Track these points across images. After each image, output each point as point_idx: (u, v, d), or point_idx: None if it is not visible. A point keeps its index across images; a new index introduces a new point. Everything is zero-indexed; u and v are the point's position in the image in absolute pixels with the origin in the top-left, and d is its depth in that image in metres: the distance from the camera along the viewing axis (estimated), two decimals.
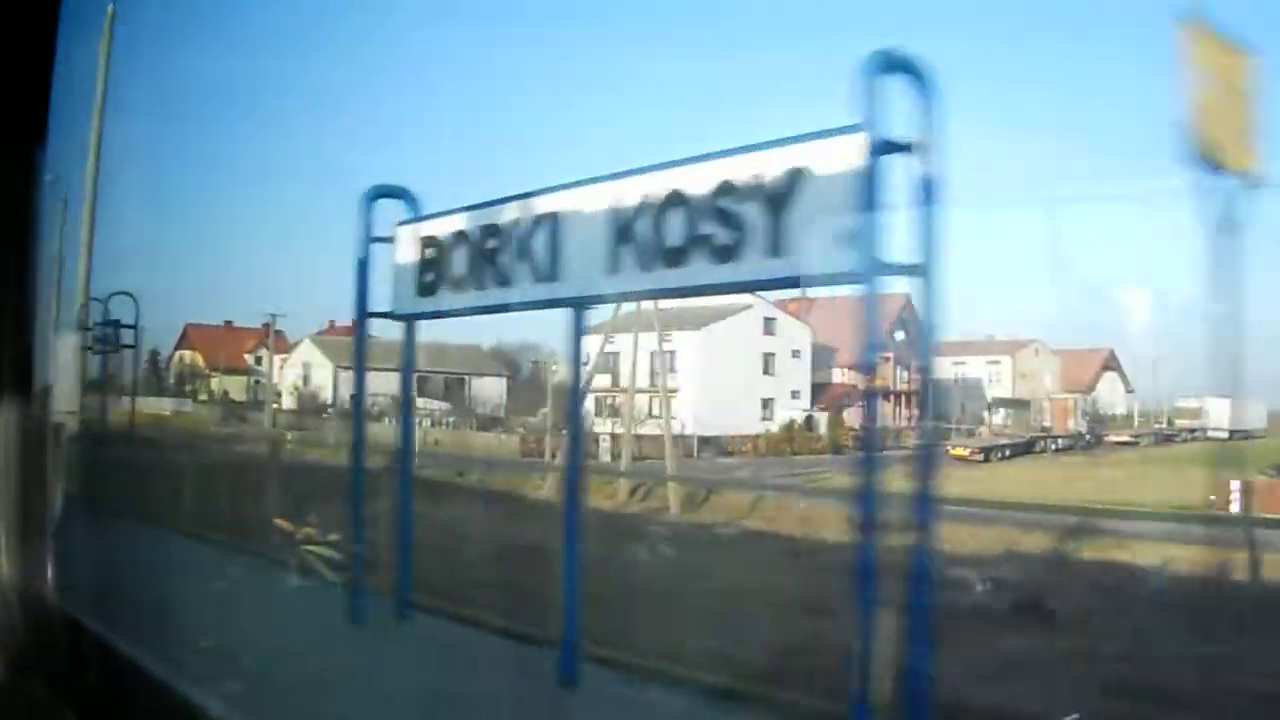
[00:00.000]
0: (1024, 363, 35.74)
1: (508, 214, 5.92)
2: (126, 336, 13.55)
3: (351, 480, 7.15)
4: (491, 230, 6.03)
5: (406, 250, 6.69)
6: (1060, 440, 30.66)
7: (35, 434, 2.34)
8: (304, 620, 6.76)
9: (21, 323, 2.33)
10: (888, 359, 28.57)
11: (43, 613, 2.27)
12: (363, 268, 6.89)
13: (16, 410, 2.26)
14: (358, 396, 8.47)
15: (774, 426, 29.01)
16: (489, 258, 6.06)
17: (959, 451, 26.69)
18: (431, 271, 6.50)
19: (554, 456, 20.39)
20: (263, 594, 7.66)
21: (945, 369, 28.95)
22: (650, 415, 22.02)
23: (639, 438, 21.16)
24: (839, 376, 31.41)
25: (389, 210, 6.82)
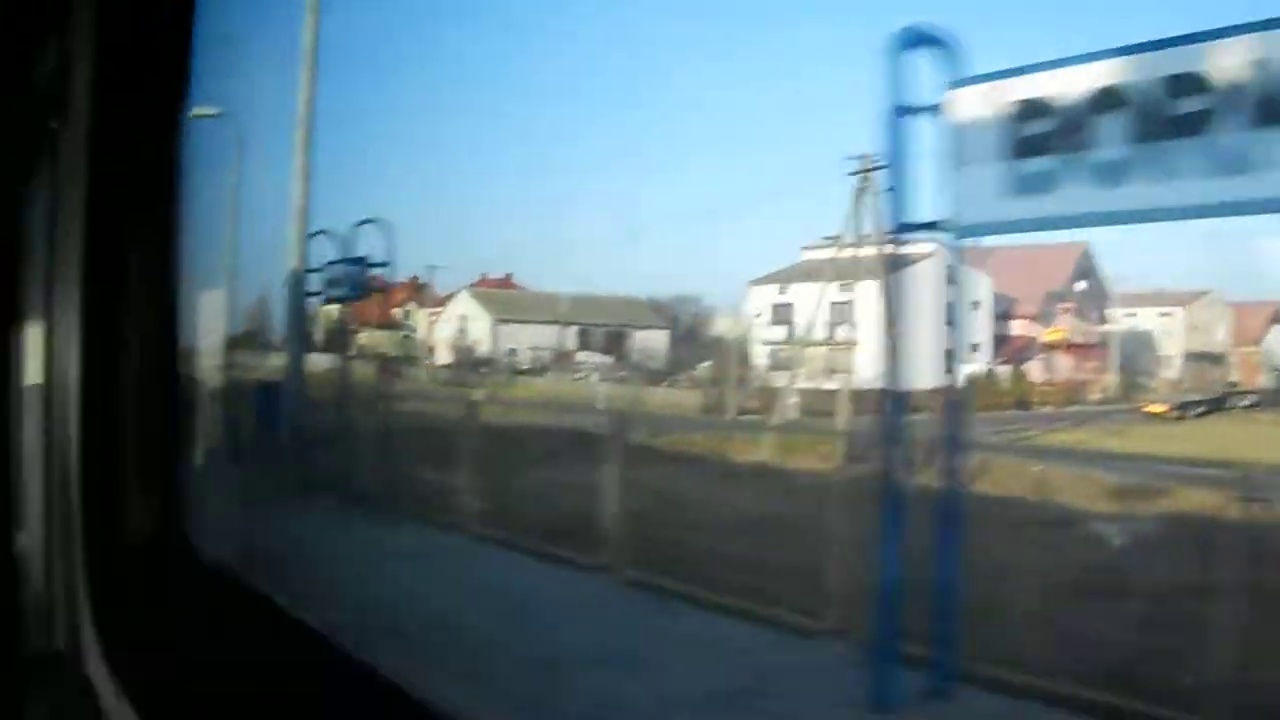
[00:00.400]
0: (1197, 314, 33.10)
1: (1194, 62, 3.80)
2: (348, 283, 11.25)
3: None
4: (1167, 88, 3.88)
5: (974, 126, 4.53)
6: (1251, 396, 28.30)
7: (179, 394, 2.36)
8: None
9: (164, 279, 2.34)
10: (1068, 310, 26.91)
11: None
12: (898, 153, 4.73)
13: (158, 369, 2.27)
14: (892, 346, 5.97)
15: (955, 381, 27.49)
16: (1149, 131, 3.99)
17: (1155, 408, 25.11)
18: (1030, 156, 4.36)
19: (740, 414, 19.48)
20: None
21: (1119, 321, 27.22)
22: (830, 370, 21.46)
23: (818, 393, 20.52)
24: (1018, 329, 30.04)
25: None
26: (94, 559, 2.24)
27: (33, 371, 2.49)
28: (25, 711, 2.28)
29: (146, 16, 2.35)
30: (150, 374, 2.27)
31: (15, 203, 2.55)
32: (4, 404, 2.29)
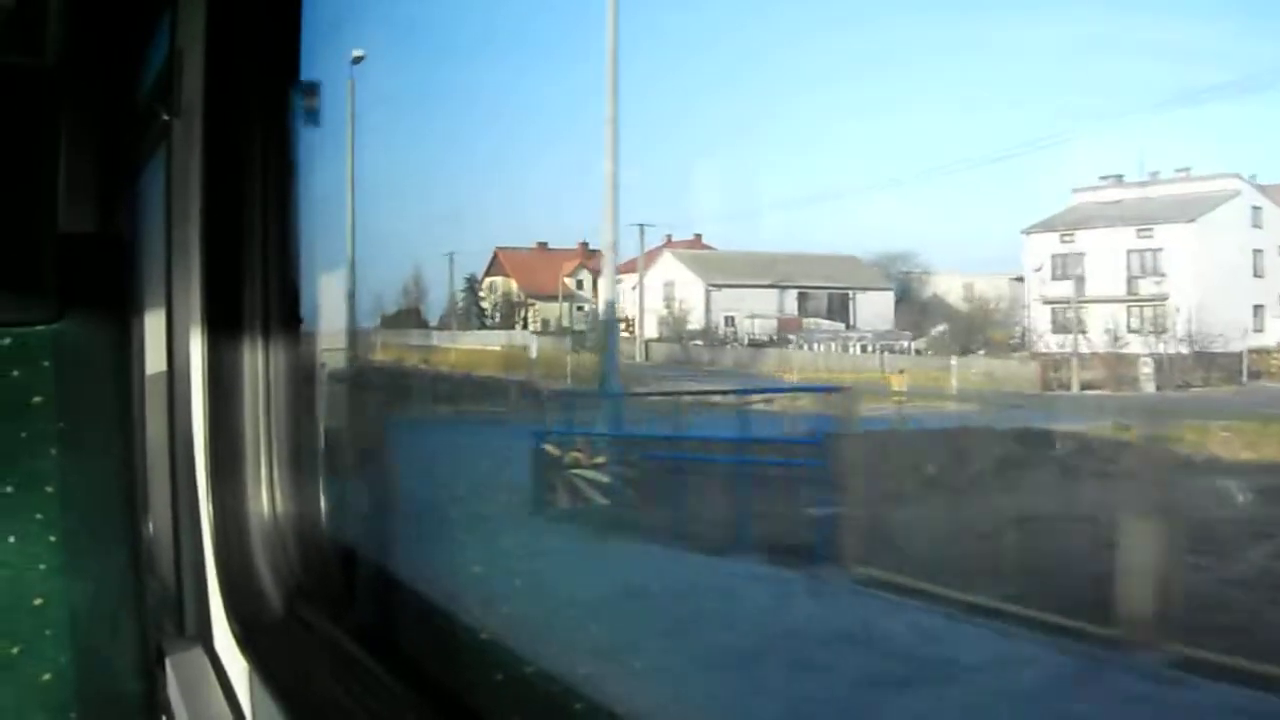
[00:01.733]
0: None
1: None
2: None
3: None
4: None
5: None
6: None
7: (304, 379, 2.38)
8: None
9: (285, 264, 2.35)
10: None
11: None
12: None
13: (282, 355, 2.29)
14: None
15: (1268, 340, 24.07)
16: None
17: None
18: None
19: (1084, 389, 16.09)
20: None
21: None
22: (1130, 329, 18.49)
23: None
24: None
25: None
26: (222, 545, 2.27)
27: (155, 361, 2.54)
28: (159, 695, 2.32)
29: (255, 4, 2.37)
30: (273, 360, 2.29)
31: (133, 195, 2.59)
32: (128, 394, 2.33)
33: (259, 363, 2.28)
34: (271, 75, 2.37)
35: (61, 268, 2.23)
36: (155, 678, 2.31)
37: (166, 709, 2.32)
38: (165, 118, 2.52)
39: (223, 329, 2.29)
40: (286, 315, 2.32)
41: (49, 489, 2.17)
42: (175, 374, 2.43)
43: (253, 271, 2.29)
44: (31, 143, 2.37)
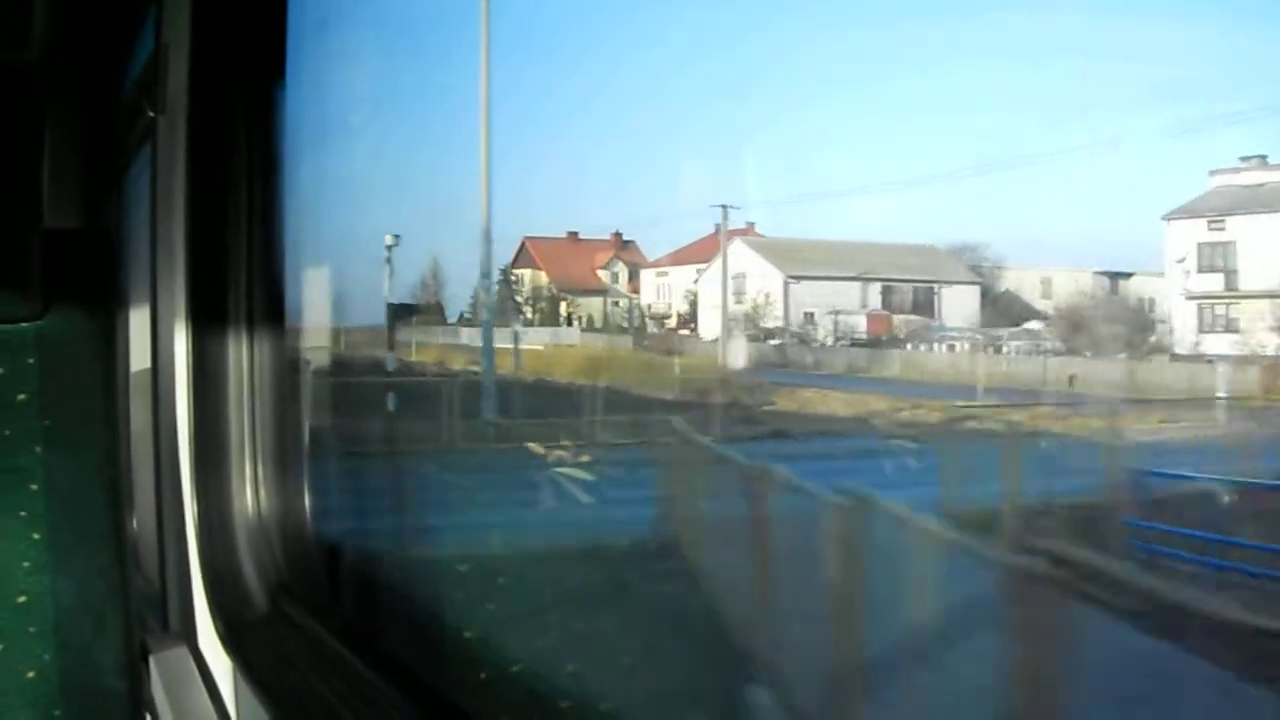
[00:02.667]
0: None
1: None
2: None
3: None
4: None
5: None
6: None
7: (289, 376, 2.37)
8: None
9: (269, 261, 2.35)
10: None
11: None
12: None
13: (266, 351, 2.29)
14: None
15: None
16: None
17: None
18: None
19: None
20: None
21: None
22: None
23: None
24: None
25: None
26: (206, 542, 2.26)
27: (140, 357, 2.53)
28: (143, 693, 2.32)
29: (241, 2, 2.37)
30: (258, 357, 2.28)
31: (118, 191, 2.58)
32: (113, 390, 2.32)
33: (244, 359, 2.28)
34: (257, 71, 2.37)
35: (46, 263, 2.22)
36: (139, 675, 2.31)
37: (150, 706, 2.32)
38: (151, 113, 2.51)
39: (208, 325, 2.29)
40: (272, 312, 2.31)
41: (33, 486, 2.16)
42: (160, 370, 2.42)
43: (238, 268, 2.29)
44: (16, 138, 2.35)
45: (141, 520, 2.59)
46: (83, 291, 2.26)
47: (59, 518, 2.19)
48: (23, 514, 2.17)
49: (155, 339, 2.43)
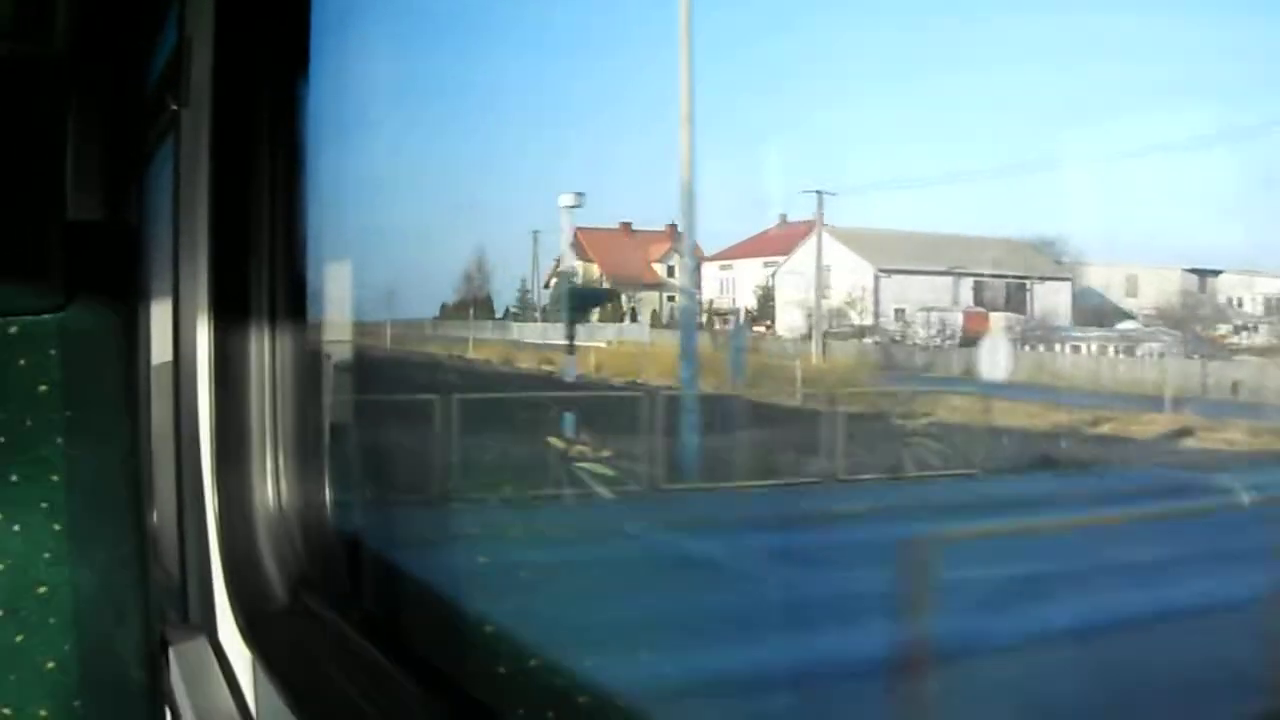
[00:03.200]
0: None
1: None
2: None
3: None
4: None
5: None
6: None
7: (311, 370, 2.38)
8: None
9: (292, 255, 2.35)
10: None
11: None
12: None
13: (289, 345, 2.29)
14: None
15: None
16: None
17: None
18: None
19: None
20: None
21: None
22: None
23: None
24: None
25: None
26: (227, 534, 2.27)
27: (161, 350, 2.54)
28: (162, 685, 2.33)
29: None
30: (280, 350, 2.29)
31: (141, 184, 2.59)
32: (135, 383, 2.33)
33: (266, 353, 2.29)
34: (280, 64, 2.37)
35: (68, 255, 2.23)
36: (159, 666, 2.32)
37: (169, 698, 2.32)
38: (173, 107, 2.52)
39: (230, 318, 2.29)
40: (294, 306, 2.32)
41: (54, 477, 2.17)
42: (182, 363, 2.43)
43: (260, 261, 2.30)
44: (39, 130, 2.36)
45: (162, 512, 2.60)
46: (105, 284, 2.27)
47: (80, 509, 2.20)
48: (44, 505, 2.18)
49: (177, 332, 2.44)
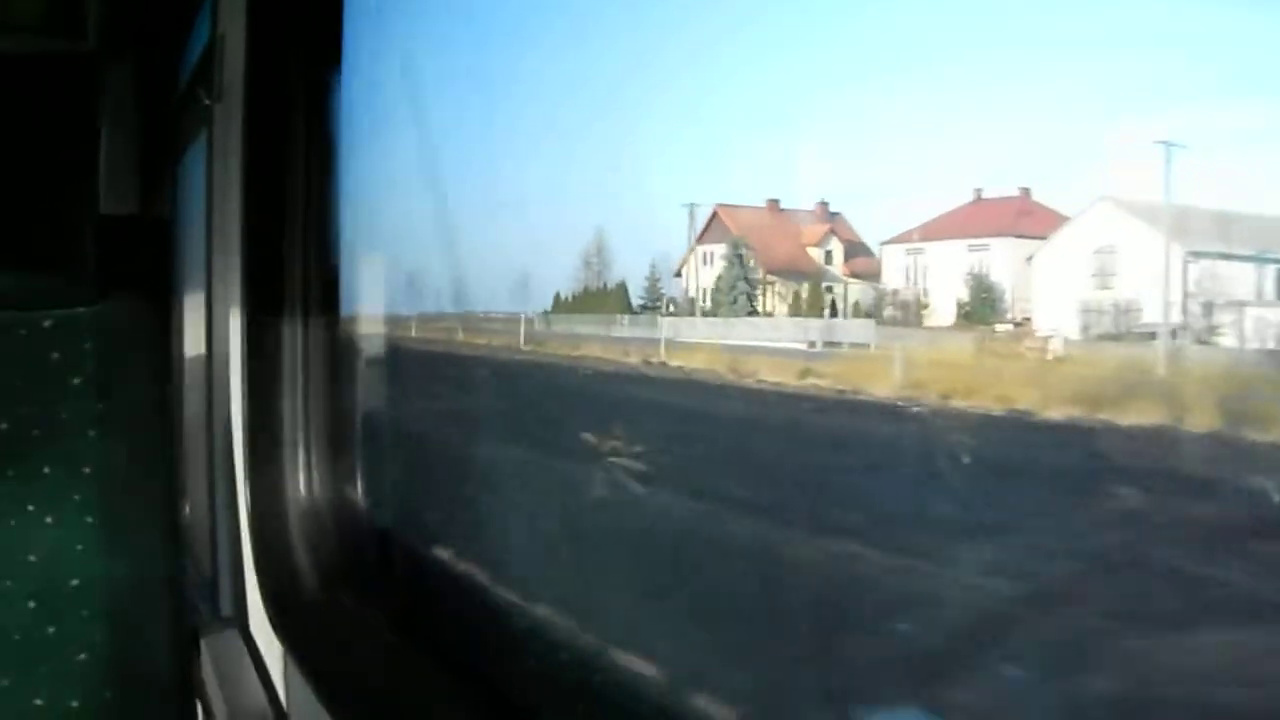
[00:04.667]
0: None
1: None
2: None
3: None
4: None
5: None
6: None
7: (344, 364, 2.38)
8: None
9: (325, 249, 2.35)
10: None
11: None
12: None
13: (322, 339, 2.29)
14: None
15: None
16: None
17: None
18: None
19: None
20: None
21: None
22: None
23: None
24: None
25: None
26: (258, 528, 2.27)
27: (194, 344, 2.55)
28: (194, 677, 2.33)
29: None
30: (313, 344, 2.29)
31: (174, 179, 2.60)
32: (168, 376, 2.34)
33: (299, 346, 2.29)
34: (314, 59, 2.37)
35: (103, 249, 2.24)
36: (190, 659, 2.32)
37: (201, 691, 2.33)
38: (206, 102, 2.53)
39: (263, 312, 2.30)
40: (327, 299, 2.32)
41: (87, 470, 2.18)
42: (214, 357, 2.44)
43: (294, 256, 2.30)
44: (74, 125, 2.38)
45: (194, 505, 2.61)
46: (139, 277, 2.28)
47: (112, 502, 2.21)
48: (76, 498, 2.19)
49: (210, 325, 2.45)
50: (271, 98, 2.36)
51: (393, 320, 2.70)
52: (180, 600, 2.30)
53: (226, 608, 2.42)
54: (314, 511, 2.25)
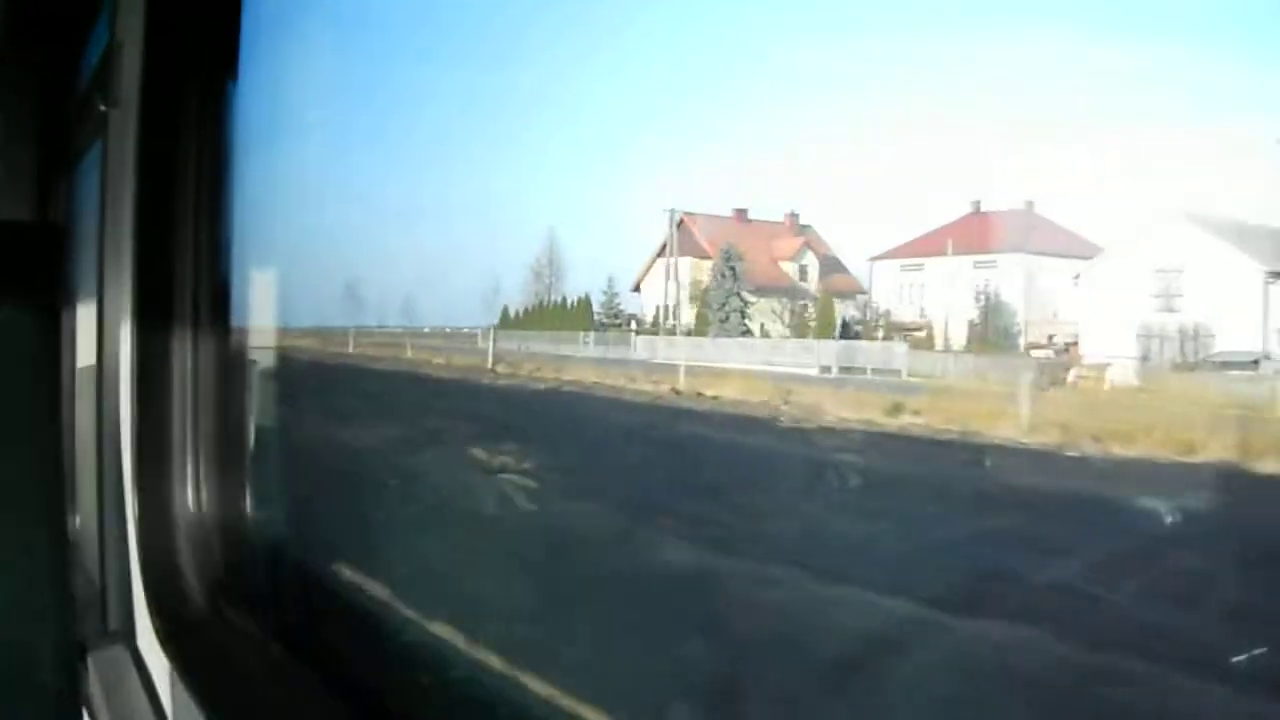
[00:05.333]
0: None
1: None
2: None
3: None
4: None
5: None
6: None
7: (234, 375, 2.35)
8: None
9: (216, 260, 2.33)
10: None
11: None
12: None
13: (212, 350, 2.27)
14: None
15: None
16: None
17: None
18: None
19: None
20: None
21: None
22: None
23: None
24: None
25: None
26: (147, 542, 2.24)
27: (86, 353, 2.50)
28: (81, 691, 2.29)
29: None
30: (204, 355, 2.26)
31: (70, 185, 2.56)
32: (58, 386, 2.30)
33: (189, 358, 2.26)
34: (210, 68, 2.35)
35: None
36: (78, 674, 2.29)
37: (88, 705, 2.29)
38: (102, 108, 2.49)
39: (155, 322, 2.27)
40: (219, 311, 2.30)
41: None
42: (105, 367, 2.40)
43: (186, 265, 2.27)
44: None
45: (83, 519, 2.56)
46: (30, 285, 2.24)
47: None
48: None
49: (101, 335, 2.41)
50: (167, 105, 2.33)
51: (286, 333, 2.68)
52: (68, 615, 2.26)
53: (114, 622, 2.38)
54: (202, 525, 2.23)
